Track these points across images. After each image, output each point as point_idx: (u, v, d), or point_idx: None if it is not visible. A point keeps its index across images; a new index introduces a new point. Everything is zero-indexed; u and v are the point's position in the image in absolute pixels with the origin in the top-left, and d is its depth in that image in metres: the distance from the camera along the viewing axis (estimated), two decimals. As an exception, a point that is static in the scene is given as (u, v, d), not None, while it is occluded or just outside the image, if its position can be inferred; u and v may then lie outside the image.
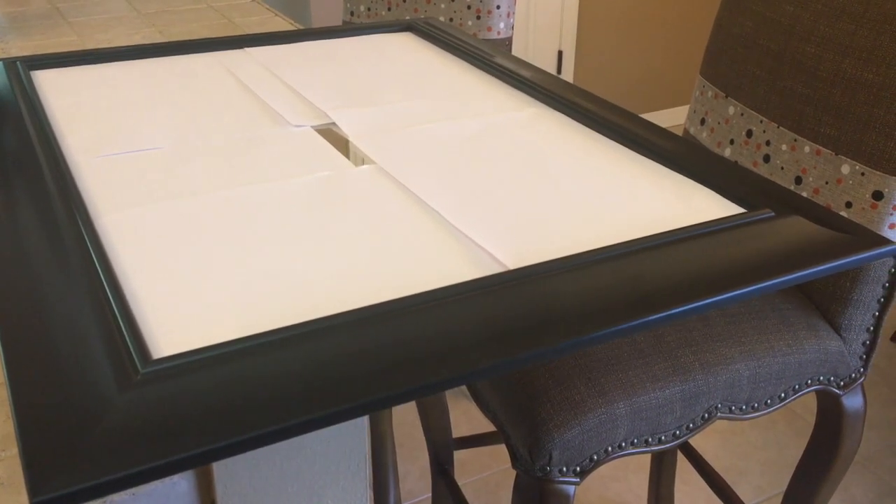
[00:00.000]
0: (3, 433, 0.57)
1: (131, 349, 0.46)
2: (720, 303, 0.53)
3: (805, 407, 1.85)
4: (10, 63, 0.88)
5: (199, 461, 0.40)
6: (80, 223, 0.58)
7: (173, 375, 0.44)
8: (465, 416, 1.80)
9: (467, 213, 0.63)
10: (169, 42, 0.97)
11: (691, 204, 0.66)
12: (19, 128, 0.73)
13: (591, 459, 0.85)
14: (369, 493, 0.65)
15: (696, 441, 1.75)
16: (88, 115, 0.79)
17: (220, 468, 0.57)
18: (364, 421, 0.63)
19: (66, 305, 0.49)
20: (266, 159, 0.71)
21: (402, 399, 0.45)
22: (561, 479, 0.84)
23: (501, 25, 1.56)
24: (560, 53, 2.95)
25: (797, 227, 0.61)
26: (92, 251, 0.55)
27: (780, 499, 1.56)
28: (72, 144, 0.73)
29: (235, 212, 0.63)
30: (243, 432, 0.41)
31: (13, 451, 0.56)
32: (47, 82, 0.87)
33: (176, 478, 0.55)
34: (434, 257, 0.57)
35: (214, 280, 0.54)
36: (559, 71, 2.97)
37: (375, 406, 0.44)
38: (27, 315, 0.49)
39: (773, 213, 0.63)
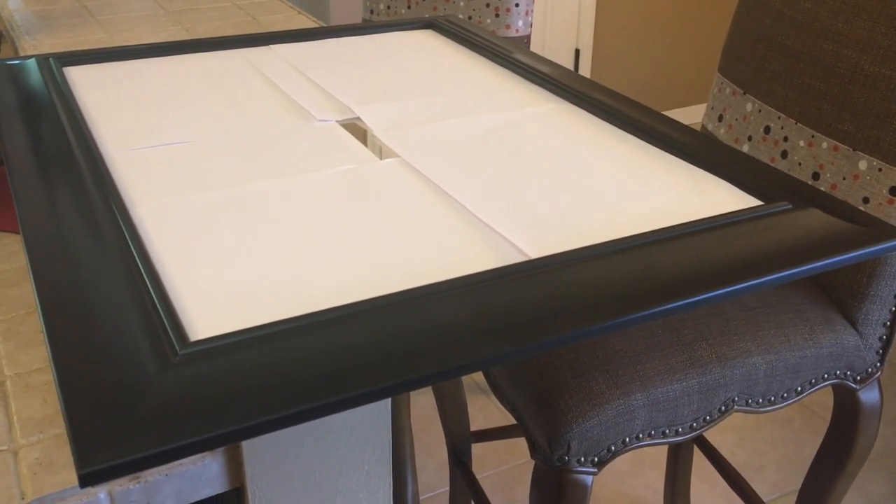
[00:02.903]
0: (40, 416, 0.59)
1: (170, 332, 0.47)
2: (737, 292, 0.54)
3: (822, 405, 1.85)
4: (43, 59, 0.91)
5: (234, 438, 0.42)
6: (116, 212, 0.60)
7: (209, 357, 0.46)
8: (482, 411, 1.82)
9: (490, 204, 0.65)
10: (196, 39, 0.99)
11: (709, 196, 0.67)
12: (54, 121, 0.75)
13: (609, 450, 0.86)
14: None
15: (713, 437, 1.76)
16: (120, 109, 0.81)
17: (249, 452, 0.58)
18: (387, 407, 0.64)
19: (107, 291, 0.51)
20: (292, 152, 0.73)
21: (426, 382, 0.46)
22: (579, 468, 0.86)
23: (520, 23, 1.58)
24: (577, 52, 2.95)
25: (814, 220, 0.62)
26: (129, 239, 0.56)
27: (796, 496, 1.56)
28: (105, 138, 0.75)
29: (264, 203, 0.64)
30: (274, 411, 0.43)
31: (50, 432, 0.58)
32: (79, 78, 0.89)
33: (207, 459, 0.57)
34: (458, 247, 0.59)
35: (245, 267, 0.56)
36: (577, 69, 2.97)
37: (401, 388, 0.45)
38: (69, 300, 0.51)
39: (790, 206, 0.64)
